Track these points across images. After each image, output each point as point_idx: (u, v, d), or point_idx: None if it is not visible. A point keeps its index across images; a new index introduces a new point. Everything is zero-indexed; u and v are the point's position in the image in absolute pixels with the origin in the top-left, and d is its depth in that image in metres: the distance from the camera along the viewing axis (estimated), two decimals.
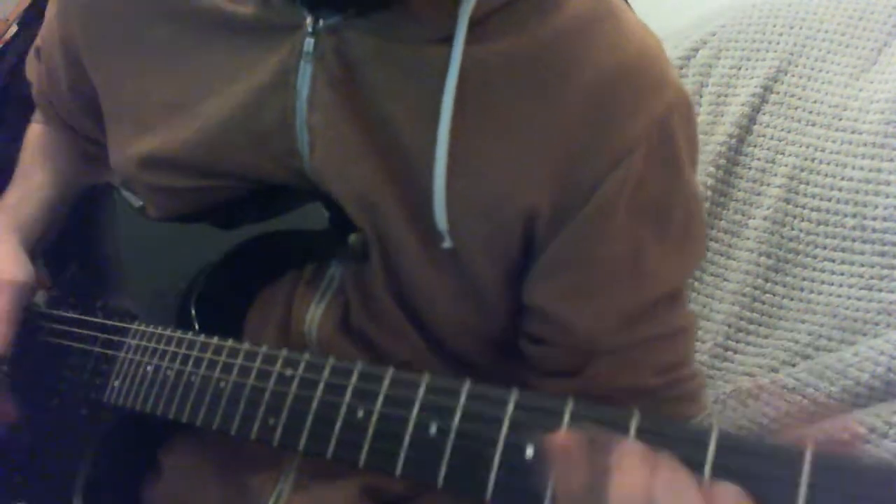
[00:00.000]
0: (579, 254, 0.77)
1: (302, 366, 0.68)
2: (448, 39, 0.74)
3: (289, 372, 0.69)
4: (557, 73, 0.75)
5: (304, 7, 0.75)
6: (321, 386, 0.66)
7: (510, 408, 0.57)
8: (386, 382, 0.63)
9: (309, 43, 0.76)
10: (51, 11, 0.96)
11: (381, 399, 0.63)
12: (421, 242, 0.78)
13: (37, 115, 1.10)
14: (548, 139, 0.75)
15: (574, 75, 0.75)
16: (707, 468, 0.48)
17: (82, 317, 0.91)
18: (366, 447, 0.62)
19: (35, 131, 1.09)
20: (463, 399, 0.59)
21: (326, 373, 0.66)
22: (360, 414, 0.63)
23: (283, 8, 0.77)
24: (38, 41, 1.03)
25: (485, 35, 0.75)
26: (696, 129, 0.83)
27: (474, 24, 0.74)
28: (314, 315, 0.82)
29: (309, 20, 0.75)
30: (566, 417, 0.54)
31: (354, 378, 0.65)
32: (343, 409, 0.64)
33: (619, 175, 0.74)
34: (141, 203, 0.98)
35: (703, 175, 1.30)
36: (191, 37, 0.82)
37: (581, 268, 0.78)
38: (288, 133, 0.78)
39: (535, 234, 0.78)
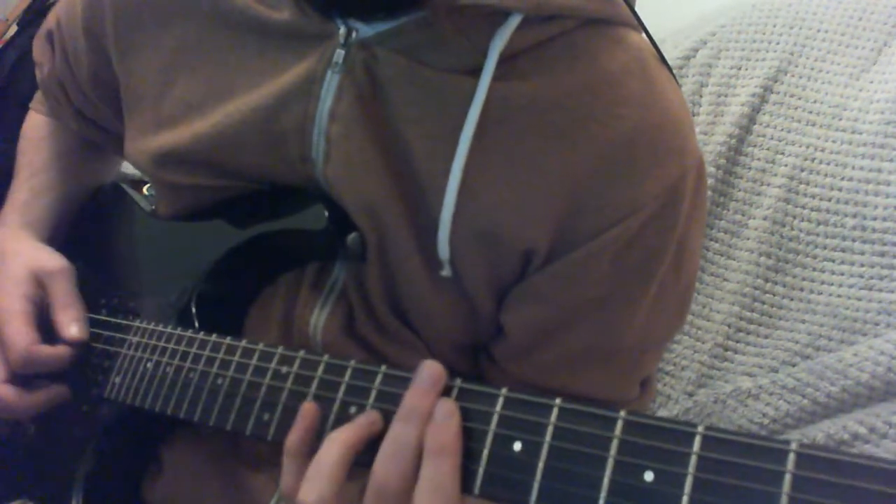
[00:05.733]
0: (555, 290, 0.78)
1: (297, 362, 0.69)
2: (476, 72, 0.74)
3: (284, 369, 0.69)
4: (579, 122, 0.75)
5: (336, 16, 0.76)
6: (315, 382, 0.67)
7: (500, 404, 0.57)
8: (378, 379, 0.63)
9: (339, 54, 0.76)
10: None
11: (373, 395, 0.63)
12: (423, 263, 0.79)
13: (36, 104, 1.10)
14: (558, 184, 0.75)
15: (595, 127, 0.75)
16: (693, 459, 0.48)
17: (86, 314, 0.92)
18: None
19: (37, 122, 1.09)
20: (455, 394, 0.59)
21: (321, 369, 0.67)
22: (353, 410, 0.64)
23: (317, 17, 0.77)
24: (49, 24, 1.03)
25: (512, 73, 0.75)
26: (706, 191, 0.83)
27: (503, 60, 0.74)
28: (318, 319, 0.82)
29: (342, 32, 0.76)
30: (555, 412, 0.54)
31: (348, 375, 0.65)
32: (336, 405, 0.64)
33: (617, 231, 0.75)
34: (148, 203, 0.99)
35: None
36: (220, 37, 0.83)
37: (552, 303, 0.79)
38: (303, 139, 0.78)
39: (529, 267, 0.79)
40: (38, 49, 1.05)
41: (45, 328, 0.89)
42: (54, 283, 0.90)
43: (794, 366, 1.16)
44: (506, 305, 0.81)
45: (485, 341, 0.85)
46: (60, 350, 0.87)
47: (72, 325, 0.88)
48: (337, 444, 0.60)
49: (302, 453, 0.63)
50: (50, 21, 1.03)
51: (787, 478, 0.45)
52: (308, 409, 0.64)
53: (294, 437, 0.63)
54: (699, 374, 1.24)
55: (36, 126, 1.08)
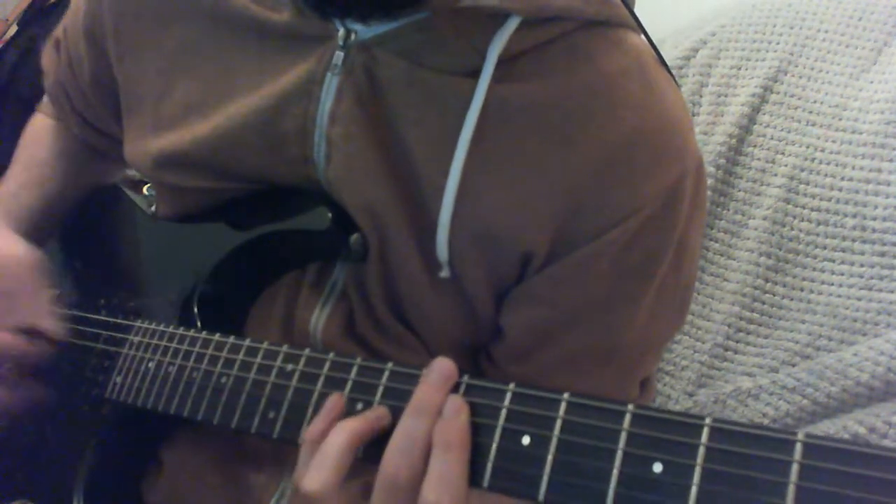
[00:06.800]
0: (554, 291, 0.78)
1: (303, 360, 0.69)
2: (475, 74, 0.74)
3: (290, 367, 0.69)
4: (578, 124, 0.75)
5: (333, 17, 0.76)
6: (321, 379, 0.67)
7: (507, 399, 0.57)
8: (385, 376, 0.63)
9: (339, 56, 0.76)
10: (78, 2, 0.96)
11: (380, 391, 0.63)
12: (423, 264, 0.79)
13: (43, 107, 1.10)
14: (557, 186, 0.75)
15: (594, 129, 0.75)
16: (701, 450, 0.48)
17: (86, 314, 0.92)
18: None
19: (40, 122, 1.09)
20: (462, 390, 0.60)
21: (327, 367, 0.67)
22: (360, 406, 0.64)
23: (316, 19, 0.77)
24: (58, 32, 1.03)
25: (511, 74, 0.75)
26: (705, 191, 0.83)
27: (502, 62, 0.74)
28: (319, 319, 0.82)
29: (341, 33, 0.76)
30: (563, 406, 0.55)
31: (354, 372, 0.65)
32: (342, 402, 0.64)
33: (616, 232, 0.75)
34: (149, 205, 0.99)
35: None
36: (220, 39, 0.83)
37: (552, 304, 0.79)
38: (304, 141, 0.78)
39: (528, 269, 0.79)
40: (46, 58, 1.05)
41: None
42: (21, 274, 0.90)
43: (794, 366, 1.16)
44: (505, 307, 0.81)
45: (484, 342, 0.85)
46: (39, 342, 0.88)
47: (43, 318, 0.88)
48: (343, 433, 0.60)
49: (320, 444, 0.62)
50: (58, 30, 1.03)
51: (795, 467, 0.45)
52: (335, 400, 0.64)
53: (315, 428, 0.63)
54: (699, 374, 1.24)
55: (39, 125, 1.09)
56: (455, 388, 0.60)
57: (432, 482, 0.56)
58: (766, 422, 1.16)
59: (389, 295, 0.81)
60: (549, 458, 0.53)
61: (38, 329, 0.88)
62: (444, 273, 0.78)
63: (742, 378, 1.20)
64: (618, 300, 0.79)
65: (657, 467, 0.49)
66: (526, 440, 0.55)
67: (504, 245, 0.77)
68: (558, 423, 0.54)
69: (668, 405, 1.26)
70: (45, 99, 1.09)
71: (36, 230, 1.00)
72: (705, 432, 0.49)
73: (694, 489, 0.48)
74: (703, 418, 0.49)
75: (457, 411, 0.57)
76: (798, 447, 0.46)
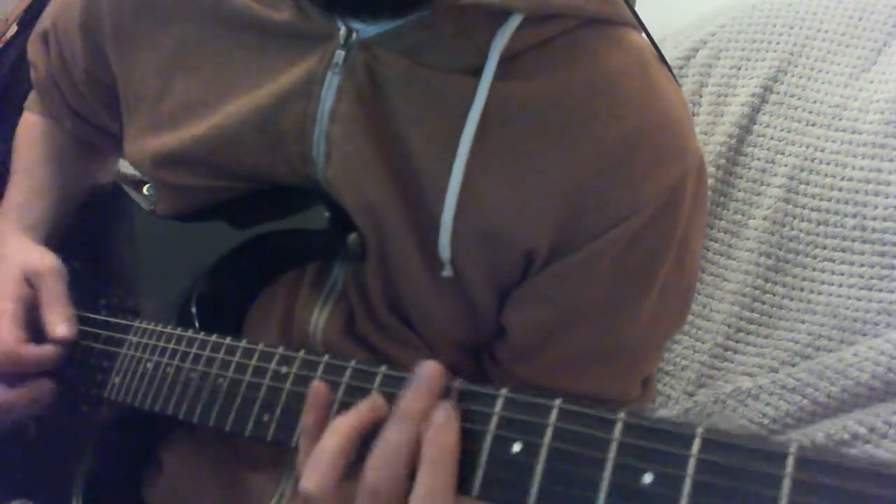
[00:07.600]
0: (556, 290, 0.78)
1: (297, 363, 0.69)
2: (477, 72, 0.74)
3: (284, 369, 0.69)
4: (580, 122, 0.75)
5: (336, 17, 0.75)
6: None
7: (499, 405, 0.57)
8: (378, 379, 0.63)
9: (339, 55, 0.76)
10: None
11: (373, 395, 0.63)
12: (423, 263, 0.79)
13: (30, 104, 1.10)
14: (558, 184, 0.75)
15: (596, 128, 0.75)
16: (692, 462, 0.48)
17: (85, 314, 0.92)
18: None
19: (32, 122, 1.09)
20: (453, 395, 0.59)
21: (320, 370, 0.67)
22: None
23: (318, 18, 0.77)
24: (44, 24, 1.03)
25: (513, 72, 0.75)
26: (706, 191, 0.83)
27: (504, 60, 0.74)
28: (318, 318, 0.82)
29: (342, 32, 0.76)
30: (554, 413, 0.54)
31: (347, 375, 0.65)
32: (336, 406, 0.64)
33: (618, 231, 0.75)
34: (148, 203, 0.99)
35: None
36: (220, 37, 0.83)
37: (554, 303, 0.79)
38: (304, 140, 0.78)
39: (530, 268, 0.79)
40: (34, 49, 1.05)
41: (39, 328, 0.89)
42: (43, 283, 0.91)
43: (794, 366, 1.16)
44: (508, 306, 0.81)
45: (486, 341, 0.85)
46: (48, 349, 0.88)
47: (58, 324, 0.89)
48: (338, 433, 0.60)
49: (315, 435, 0.62)
50: (45, 21, 1.03)
51: (787, 481, 0.45)
52: (318, 388, 0.63)
53: (307, 419, 0.63)
54: (699, 374, 1.24)
55: (31, 126, 1.08)
56: (446, 393, 0.59)
57: (419, 496, 0.55)
58: (766, 422, 1.16)
59: (389, 294, 0.81)
60: (540, 466, 0.53)
61: (51, 336, 0.89)
62: (447, 272, 0.78)
63: (742, 378, 1.20)
64: (620, 299, 0.79)
65: (647, 478, 0.49)
66: (516, 447, 0.55)
67: (506, 244, 0.77)
68: (549, 431, 0.54)
69: (668, 405, 1.25)
70: (34, 95, 1.09)
71: (51, 235, 1.01)
72: (696, 443, 0.48)
73: (684, 501, 0.47)
74: (695, 428, 0.49)
75: (447, 421, 0.56)
76: (790, 460, 0.45)
